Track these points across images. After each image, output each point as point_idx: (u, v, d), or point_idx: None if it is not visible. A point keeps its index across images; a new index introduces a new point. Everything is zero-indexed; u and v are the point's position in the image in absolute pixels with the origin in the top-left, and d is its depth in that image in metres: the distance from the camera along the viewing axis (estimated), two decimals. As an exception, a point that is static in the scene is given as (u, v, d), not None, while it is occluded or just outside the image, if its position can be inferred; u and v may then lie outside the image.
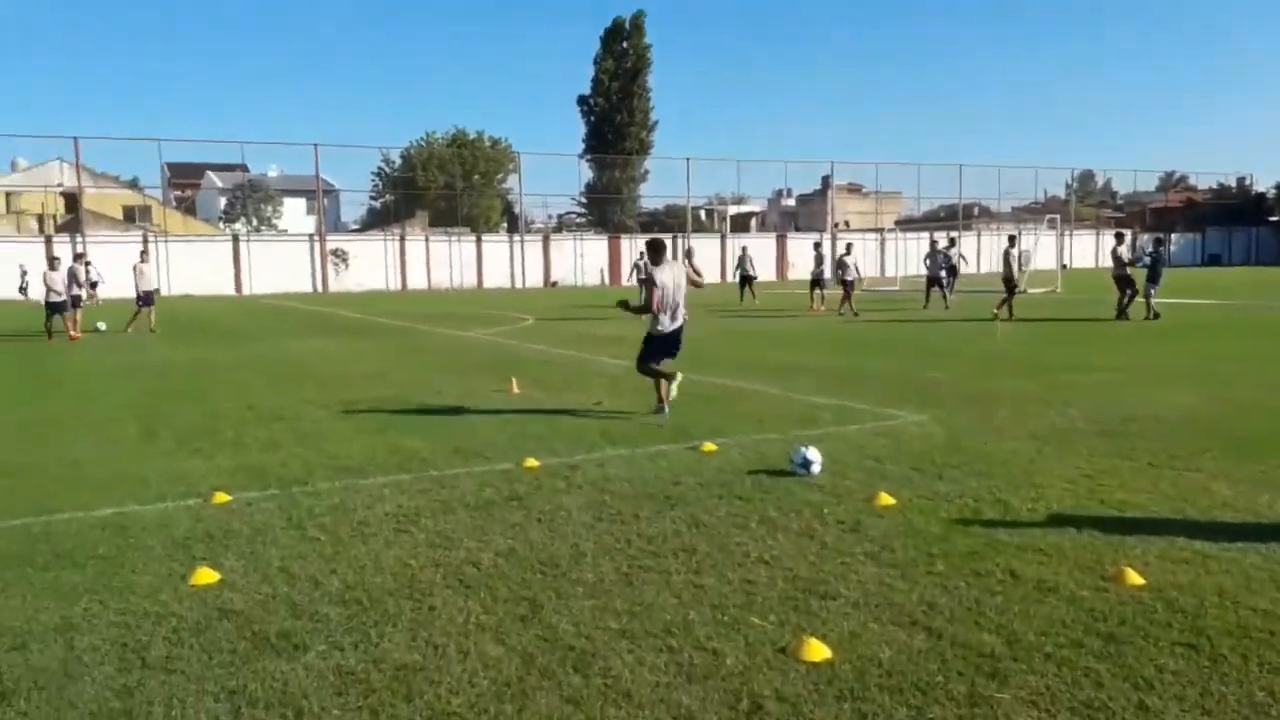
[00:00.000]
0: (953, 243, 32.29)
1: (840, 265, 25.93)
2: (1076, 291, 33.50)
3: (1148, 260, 22.03)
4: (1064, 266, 41.29)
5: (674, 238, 59.52)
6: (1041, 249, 40.12)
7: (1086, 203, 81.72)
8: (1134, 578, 4.68)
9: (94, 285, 39.93)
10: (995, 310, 22.32)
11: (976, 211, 71.89)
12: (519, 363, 14.48)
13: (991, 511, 5.99)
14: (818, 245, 29.30)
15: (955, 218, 65.48)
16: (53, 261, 22.15)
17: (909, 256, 51.90)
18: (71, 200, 52.63)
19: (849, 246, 26.50)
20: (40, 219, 53.45)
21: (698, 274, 10.36)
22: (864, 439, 8.26)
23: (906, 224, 67.67)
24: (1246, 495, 6.27)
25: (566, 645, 4.07)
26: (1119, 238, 23.01)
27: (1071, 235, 65.31)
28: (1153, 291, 20.98)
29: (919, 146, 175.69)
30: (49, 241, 46.30)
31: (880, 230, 64.72)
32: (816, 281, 27.49)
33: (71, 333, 20.65)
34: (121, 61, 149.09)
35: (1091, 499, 6.25)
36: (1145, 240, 23.13)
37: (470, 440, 8.48)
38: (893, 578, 4.82)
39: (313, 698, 3.62)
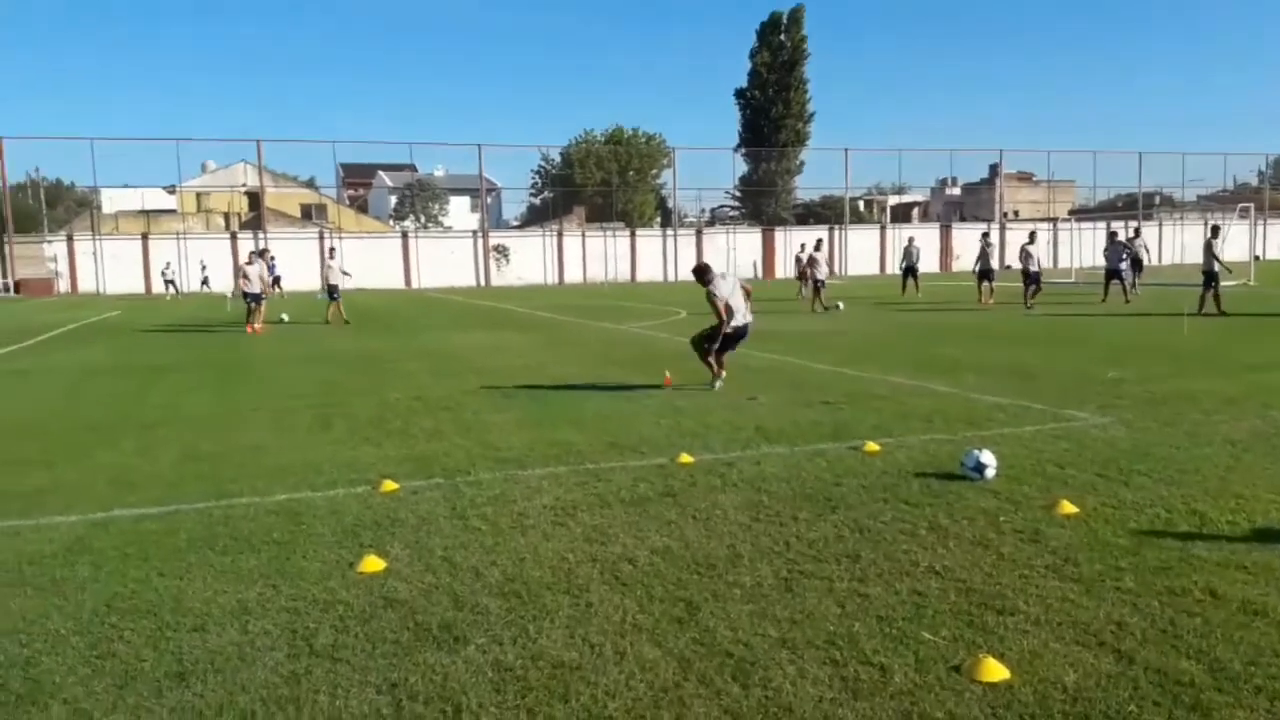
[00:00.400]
0: (1137, 233, 30.32)
1: (1024, 255, 24.54)
2: (1272, 284, 30.90)
3: None
4: (1257, 258, 38.15)
5: (830, 229, 58.43)
6: (1232, 239, 37.20)
7: (1284, 188, 75.28)
8: (1363, 604, 4.17)
9: (276, 280, 42.62)
10: (1199, 308, 20.38)
11: (1158, 200, 67.42)
12: (672, 356, 14.41)
13: (1186, 523, 5.49)
14: (985, 236, 28.00)
15: (1134, 207, 61.65)
16: (250, 256, 23.53)
17: (1083, 248, 49.21)
18: (254, 199, 56.17)
19: (1033, 235, 25.02)
20: (226, 217, 57.26)
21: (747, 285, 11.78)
22: (1042, 442, 7.76)
23: (1081, 214, 64.14)
24: None
25: (724, 651, 3.93)
26: (1214, 232, 21.29)
27: (1265, 224, 60.33)
28: None
29: (1095, 132, 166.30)
30: (234, 238, 49.65)
31: (1053, 220, 61.57)
32: (985, 273, 26.34)
33: (255, 325, 21.94)
34: (301, 68, 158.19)
35: (1305, 513, 5.64)
36: None
37: (625, 434, 8.46)
38: (1077, 593, 4.46)
39: (471, 693, 3.61)
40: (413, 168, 71.14)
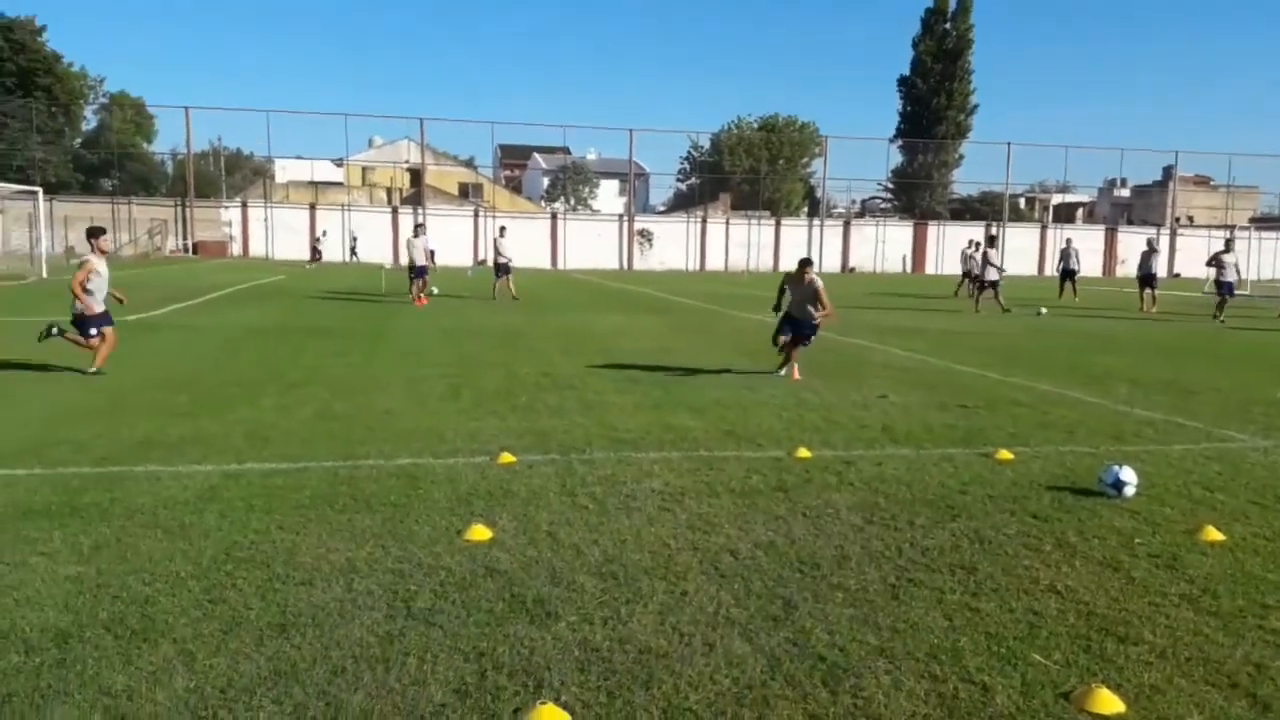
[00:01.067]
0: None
1: (1217, 264, 22.82)
2: None
3: None
4: None
5: (987, 225, 56.28)
6: None
7: None
8: None
9: (431, 255, 44.17)
10: None
11: (1356, 208, 61.96)
12: (806, 349, 14.12)
13: (1352, 564, 4.98)
14: (1150, 242, 26.39)
15: (1327, 215, 56.85)
16: (417, 229, 24.01)
17: (1263, 259, 45.70)
18: (415, 176, 58.24)
19: (1229, 243, 23.30)
20: (389, 191, 59.58)
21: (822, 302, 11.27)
22: (1192, 462, 7.22)
23: (1263, 222, 59.60)
24: None
25: (817, 655, 3.79)
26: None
27: None
28: None
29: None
30: (395, 212, 51.63)
31: (1230, 227, 57.44)
32: (1147, 280, 24.83)
33: (420, 296, 22.53)
34: (463, 49, 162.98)
35: None
36: None
37: (744, 424, 8.33)
38: (1213, 628, 4.11)
39: (555, 670, 3.60)
40: (566, 150, 72.30)
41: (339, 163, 61.83)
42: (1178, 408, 9.60)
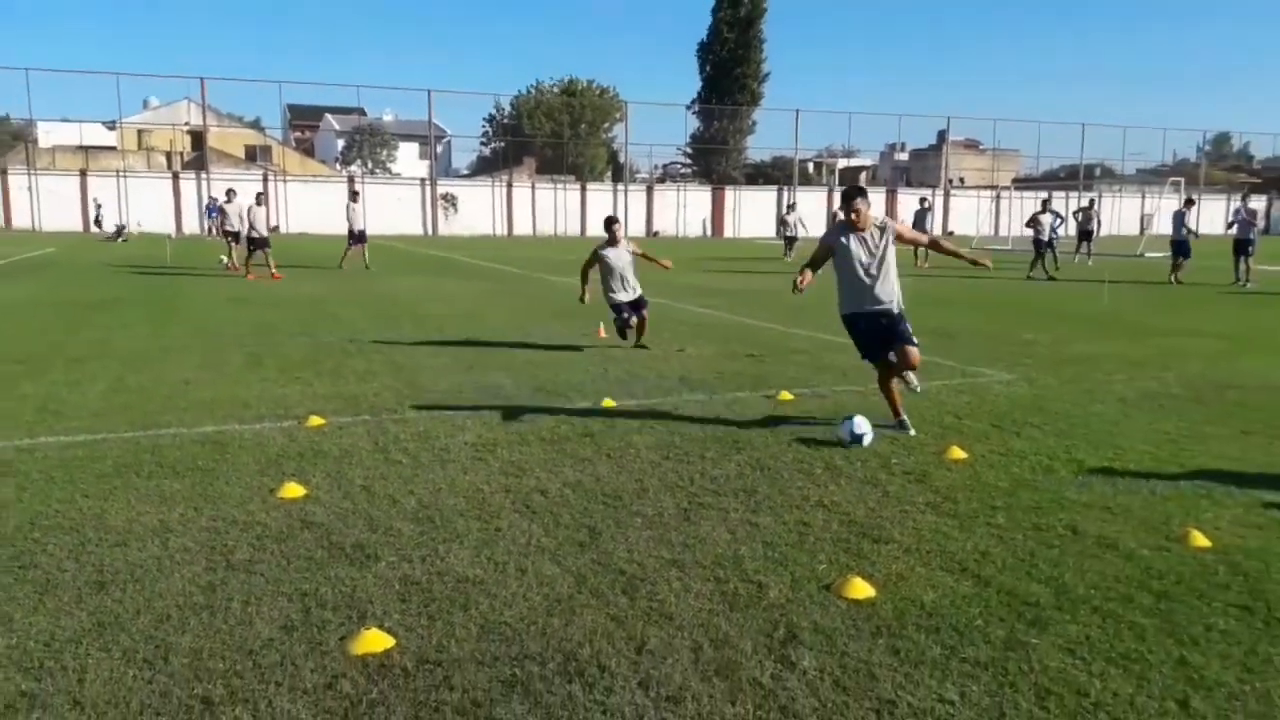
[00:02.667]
0: (1092, 204, 31.42)
1: (1035, 224, 24.40)
2: (1201, 258, 31.87)
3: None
4: (1190, 231, 39.26)
5: (779, 189, 58.84)
6: (1164, 213, 38.21)
7: (1220, 166, 77.29)
8: (1200, 539, 4.60)
9: (274, 228, 42.02)
10: (1171, 277, 21.94)
11: (1099, 173, 68.84)
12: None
13: (1065, 470, 5.91)
14: (922, 200, 28.63)
15: (1076, 178, 62.89)
16: (228, 194, 22.51)
17: (1024, 217, 50.13)
18: (198, 139, 54.87)
19: (1045, 204, 25.02)
20: (168, 156, 55.91)
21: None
22: (946, 395, 8.18)
23: (1024, 183, 65.24)
24: (1342, 467, 6.03)
25: (618, 570, 4.24)
26: (1188, 204, 23.05)
27: (1200, 199, 61.98)
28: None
29: (1040, 103, 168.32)
30: (175, 178, 48.57)
31: (996, 188, 62.58)
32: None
33: (236, 265, 21.43)
34: (248, 5, 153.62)
35: (1172, 462, 6.09)
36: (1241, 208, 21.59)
37: (553, 380, 8.71)
38: (950, 527, 4.84)
39: (377, 602, 3.88)
40: (361, 111, 69.95)
41: (111, 125, 57.41)
42: (939, 349, 10.70)
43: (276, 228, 39.29)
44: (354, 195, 25.03)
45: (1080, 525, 4.88)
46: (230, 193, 22.64)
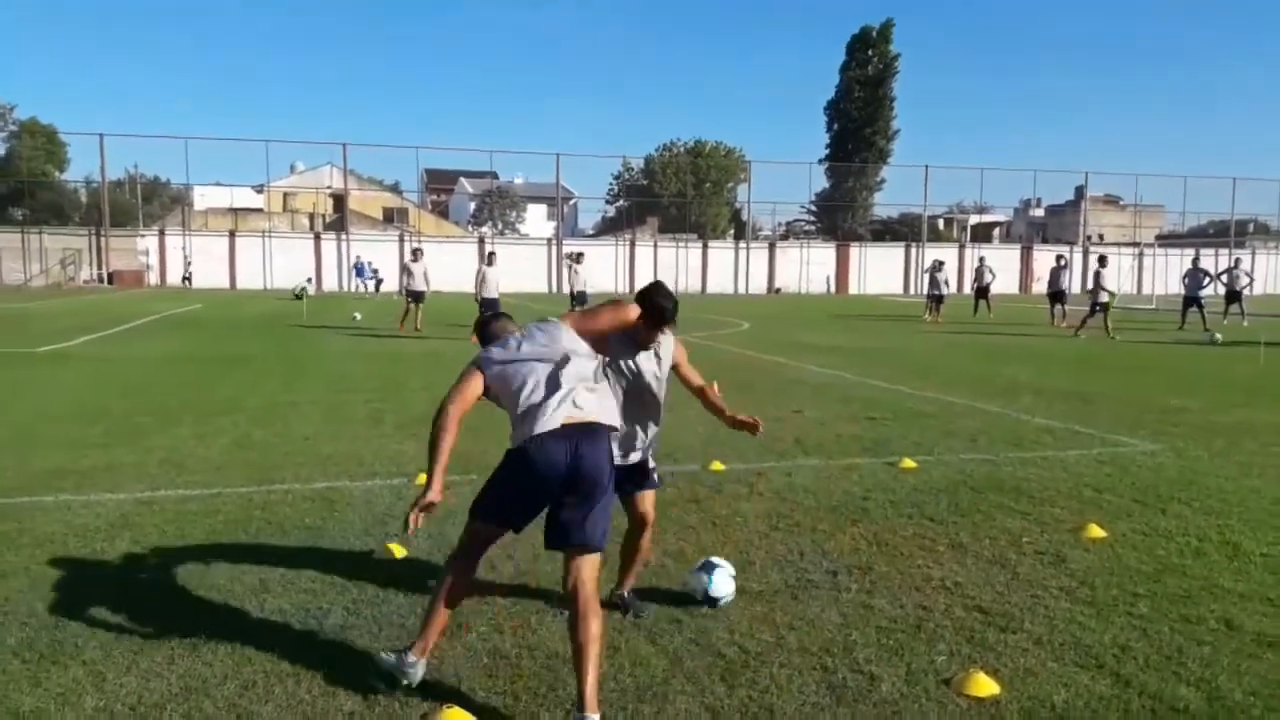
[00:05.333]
0: (1238, 263, 29.33)
1: (1096, 279, 22.86)
2: (1371, 317, 29.55)
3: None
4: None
5: (906, 246, 57.74)
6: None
7: (1392, 218, 71.88)
8: (1383, 643, 4.03)
9: (379, 283, 43.74)
10: None
11: (1252, 228, 65.04)
12: (726, 366, 14.42)
13: (1218, 554, 5.35)
14: (1059, 258, 27.46)
15: (1226, 234, 59.57)
16: (415, 254, 23.01)
17: (1170, 274, 47.69)
18: (339, 201, 57.66)
19: (1103, 259, 23.68)
20: (310, 217, 58.87)
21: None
22: (1084, 466, 7.61)
23: (1169, 240, 62.21)
24: None
25: (717, 651, 3.97)
26: None
27: (1371, 254, 57.90)
28: None
29: (1186, 157, 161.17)
30: (317, 238, 51.03)
31: (1138, 245, 59.83)
32: (1056, 296, 25.88)
33: (418, 324, 21.73)
34: (388, 73, 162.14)
35: (1347, 549, 5.44)
36: None
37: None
38: (1086, 616, 4.40)
39: (464, 678, 3.72)
40: (494, 175, 72.28)
41: (259, 189, 60.94)
42: (1076, 415, 10.07)
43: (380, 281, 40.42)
44: (415, 254, 23.73)
45: (1236, 619, 4.36)
46: (417, 252, 23.14)
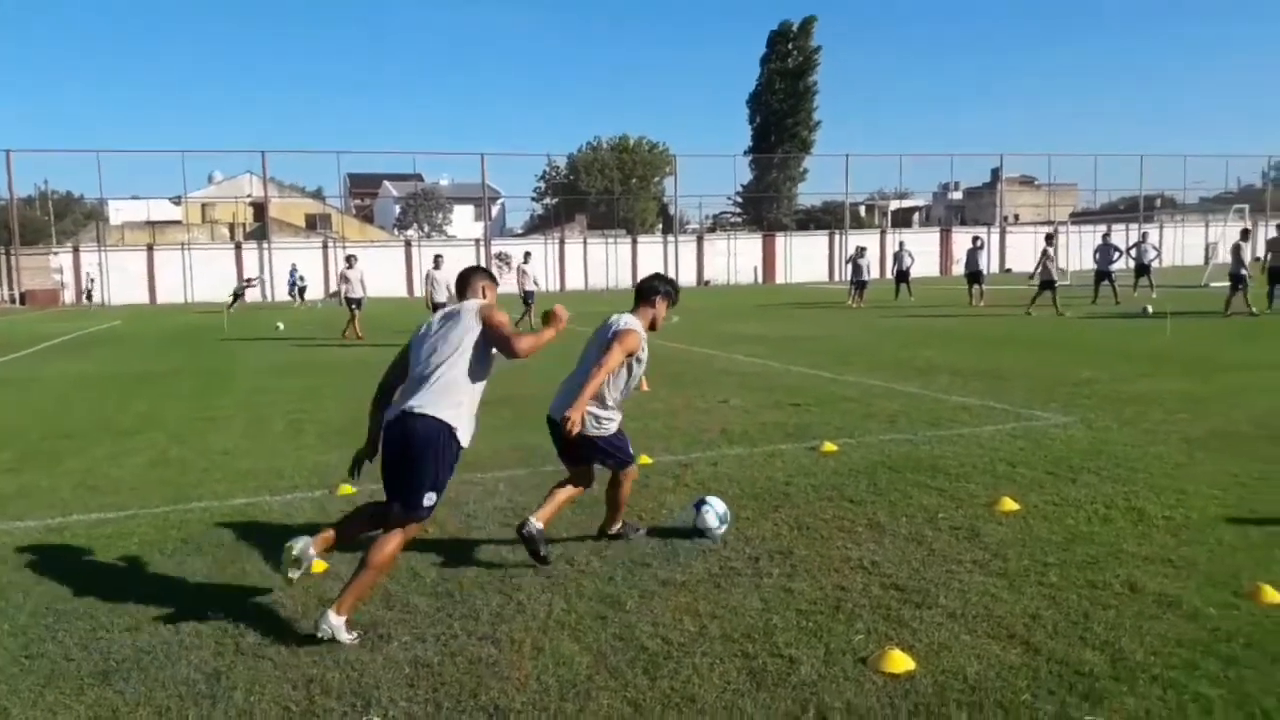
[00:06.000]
0: (1144, 237, 30.23)
1: (1044, 258, 23.26)
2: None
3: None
4: (1257, 259, 38.08)
5: (829, 234, 58.54)
6: (1227, 241, 37.08)
7: (1289, 189, 75.06)
8: (1272, 596, 4.24)
9: (302, 290, 42.67)
10: (1225, 310, 20.45)
11: (1159, 203, 67.32)
12: (659, 360, 14.43)
13: (1124, 520, 5.55)
14: (975, 239, 28.13)
15: (1135, 210, 61.58)
16: (350, 260, 22.35)
17: (1084, 251, 49.12)
18: (259, 210, 56.46)
19: (1048, 238, 23.97)
20: (231, 227, 57.54)
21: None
22: (999, 441, 7.82)
23: (1082, 217, 64.04)
24: None
25: (640, 645, 4.00)
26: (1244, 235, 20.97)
27: (1266, 225, 60.25)
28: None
29: (1096, 137, 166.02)
30: (238, 248, 49.91)
31: (1052, 223, 61.45)
32: (974, 276, 26.50)
33: (359, 331, 21.13)
34: (308, 78, 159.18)
35: (1241, 509, 5.69)
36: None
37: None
38: (999, 588, 4.53)
39: (384, 688, 3.69)
40: (419, 177, 71.40)
41: (177, 201, 59.30)
42: (991, 392, 10.34)
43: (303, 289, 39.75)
44: (436, 260, 22.51)
45: (1139, 582, 4.54)
46: (351, 259, 22.59)
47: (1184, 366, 12.22)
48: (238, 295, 38.21)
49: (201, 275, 47.34)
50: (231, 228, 57.52)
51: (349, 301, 21.93)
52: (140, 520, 6.18)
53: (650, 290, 5.54)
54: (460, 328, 4.55)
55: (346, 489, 6.82)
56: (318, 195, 71.08)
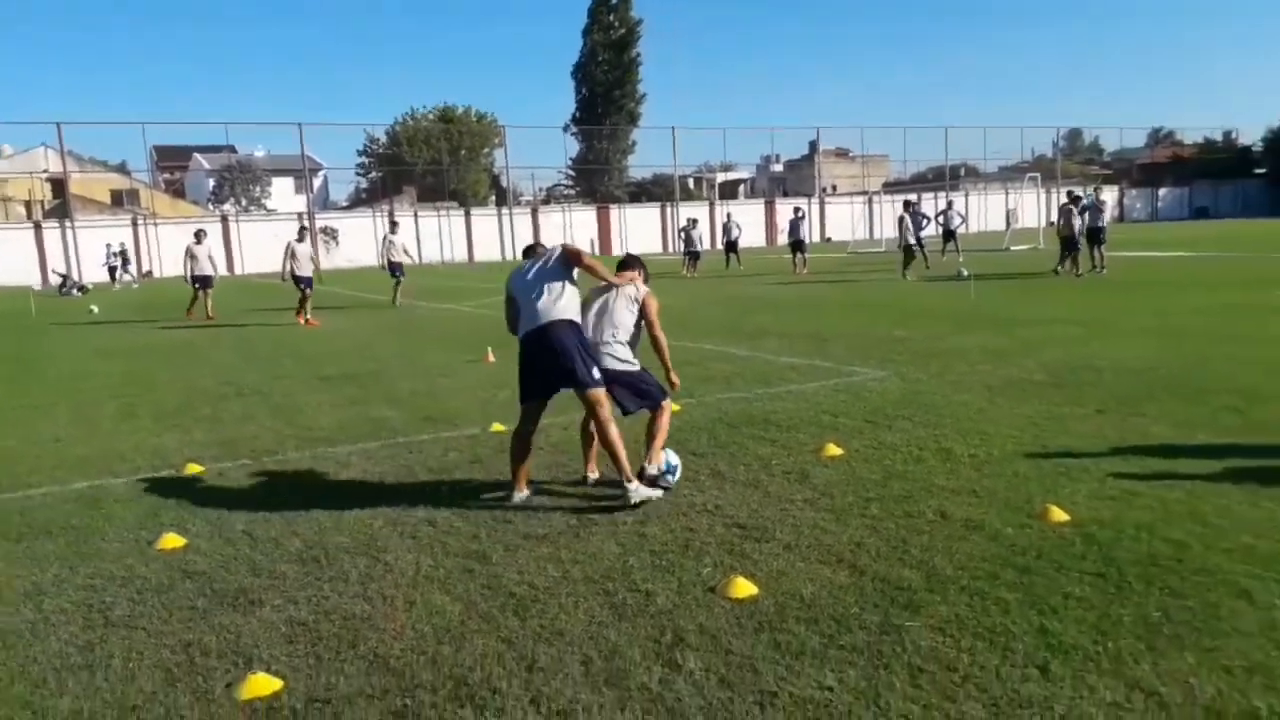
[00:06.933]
0: (950, 205, 32.29)
1: (901, 224, 24.58)
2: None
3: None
4: (1052, 223, 41.40)
5: (661, 206, 59.59)
6: (1025, 207, 40.22)
7: (1074, 160, 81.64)
8: (1058, 515, 4.90)
9: (125, 266, 39.67)
10: (1057, 267, 22.16)
11: (963, 172, 71.87)
12: (498, 333, 14.57)
13: (934, 459, 6.21)
14: (796, 210, 29.45)
15: (943, 179, 65.50)
16: (301, 233, 20.55)
17: (888, 219, 52.04)
18: (59, 186, 52.50)
19: (906, 204, 25.42)
20: (27, 205, 53.30)
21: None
22: (823, 395, 8.47)
23: (894, 187, 67.63)
24: (1184, 436, 6.51)
25: (508, 592, 4.29)
26: (1071, 197, 22.84)
27: (1057, 192, 65.37)
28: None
29: (905, 110, 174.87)
30: (38, 227, 46.33)
31: (867, 194, 64.66)
32: (797, 245, 27.77)
33: (306, 316, 19.00)
34: (106, 45, 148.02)
35: (1034, 444, 6.46)
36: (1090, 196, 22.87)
37: (440, 409, 8.69)
38: (827, 521, 5.05)
39: (263, 646, 3.83)
40: (231, 149, 67.97)
41: (-41, 176, 54.38)
42: (815, 352, 11.08)
43: (150, 273, 37.93)
44: (393, 227, 23.11)
45: (949, 510, 5.15)
46: (200, 234, 21.25)
47: (986, 323, 13.39)
48: (65, 279, 35.79)
49: (-3, 254, 43.75)
50: (28, 205, 53.26)
51: (195, 279, 20.80)
52: (-26, 509, 5.96)
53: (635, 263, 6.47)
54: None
55: (194, 468, 6.76)
56: (122, 169, 66.60)
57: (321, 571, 4.66)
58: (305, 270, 19.26)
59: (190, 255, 21.03)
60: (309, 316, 18.60)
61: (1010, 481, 5.63)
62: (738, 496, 5.55)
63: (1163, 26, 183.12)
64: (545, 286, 5.66)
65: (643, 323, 6.21)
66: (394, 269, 21.91)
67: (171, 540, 5.15)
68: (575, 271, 5.77)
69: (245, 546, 5.08)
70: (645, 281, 6.38)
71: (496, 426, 7.68)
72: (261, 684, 3.45)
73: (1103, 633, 3.64)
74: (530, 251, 6.27)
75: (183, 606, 4.28)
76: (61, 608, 4.32)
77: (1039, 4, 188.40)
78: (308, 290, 19.07)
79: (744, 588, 4.14)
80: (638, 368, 6.07)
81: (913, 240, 24.16)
